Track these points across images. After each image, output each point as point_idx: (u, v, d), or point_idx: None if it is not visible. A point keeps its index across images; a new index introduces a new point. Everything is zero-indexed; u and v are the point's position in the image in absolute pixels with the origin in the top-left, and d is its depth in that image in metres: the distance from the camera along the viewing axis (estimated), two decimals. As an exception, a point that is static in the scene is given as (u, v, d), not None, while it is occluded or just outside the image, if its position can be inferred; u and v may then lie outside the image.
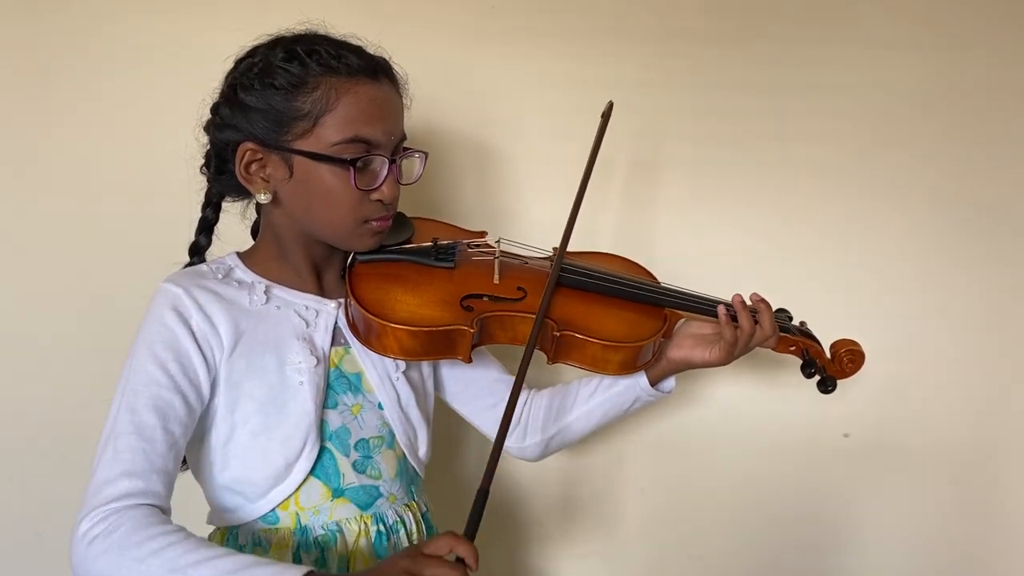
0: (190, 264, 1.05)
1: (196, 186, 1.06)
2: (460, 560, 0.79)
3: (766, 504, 1.50)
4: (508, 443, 1.18)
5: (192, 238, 1.07)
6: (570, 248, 1.10)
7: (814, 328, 1.18)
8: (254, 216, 1.10)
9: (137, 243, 1.33)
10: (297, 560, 0.95)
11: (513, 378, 1.15)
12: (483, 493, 0.82)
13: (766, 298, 1.09)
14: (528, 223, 1.41)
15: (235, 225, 1.09)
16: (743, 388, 1.48)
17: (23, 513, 1.36)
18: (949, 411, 1.50)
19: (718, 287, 1.13)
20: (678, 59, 1.44)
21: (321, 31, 0.99)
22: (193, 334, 0.93)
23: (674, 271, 1.19)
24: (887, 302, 1.48)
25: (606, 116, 1.17)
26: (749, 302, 1.08)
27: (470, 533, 0.81)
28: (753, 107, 1.45)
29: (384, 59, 1.00)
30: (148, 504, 0.84)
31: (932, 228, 1.48)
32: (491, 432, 1.17)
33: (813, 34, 1.46)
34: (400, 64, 1.02)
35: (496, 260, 1.10)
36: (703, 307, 1.10)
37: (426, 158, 1.05)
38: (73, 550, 0.81)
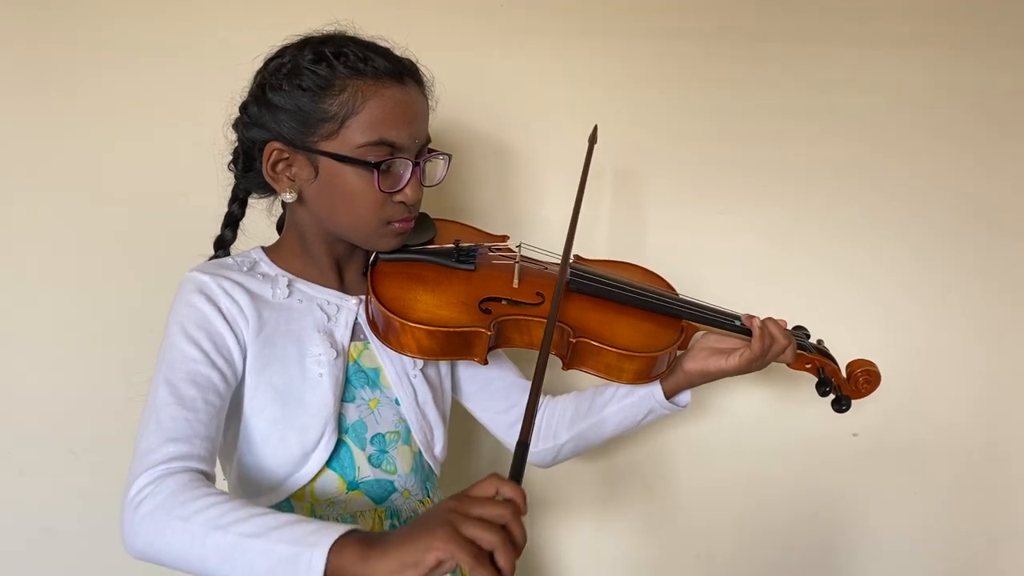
0: (215, 257, 1.07)
1: (224, 181, 1.07)
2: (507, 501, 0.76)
3: (773, 504, 1.50)
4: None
5: (217, 232, 1.08)
6: (589, 256, 1.09)
7: (823, 329, 1.18)
8: (280, 212, 1.11)
9: (154, 239, 1.34)
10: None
11: (529, 382, 1.16)
12: (523, 446, 0.79)
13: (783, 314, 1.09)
14: (546, 224, 1.41)
15: (261, 221, 1.11)
16: (752, 393, 1.47)
17: (32, 508, 1.37)
18: (960, 413, 1.48)
19: (726, 289, 1.13)
20: (692, 56, 1.44)
21: (350, 32, 1.00)
22: (222, 314, 0.95)
23: (677, 271, 1.20)
24: (898, 304, 1.47)
25: (593, 140, 1.17)
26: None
27: (514, 479, 0.77)
28: (765, 105, 1.44)
29: (411, 61, 1.01)
30: (193, 469, 0.84)
31: (946, 229, 1.46)
32: (504, 435, 1.18)
33: (824, 31, 1.45)
34: (423, 65, 1.02)
35: (516, 264, 1.11)
36: (720, 320, 1.10)
37: (450, 160, 1.06)
38: (123, 515, 0.81)
